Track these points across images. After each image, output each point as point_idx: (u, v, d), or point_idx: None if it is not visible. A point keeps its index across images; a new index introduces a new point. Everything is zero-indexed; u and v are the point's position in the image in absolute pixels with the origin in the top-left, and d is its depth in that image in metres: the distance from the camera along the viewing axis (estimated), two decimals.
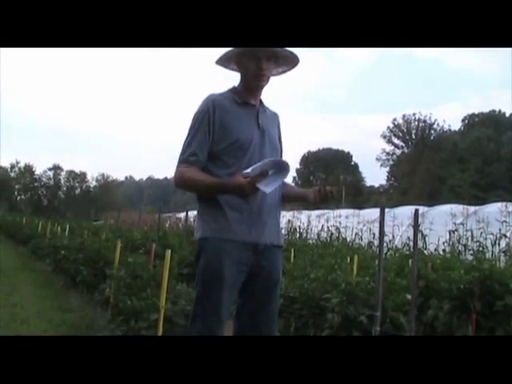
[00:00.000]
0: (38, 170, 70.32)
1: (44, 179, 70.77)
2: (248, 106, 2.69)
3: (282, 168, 2.51)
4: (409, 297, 4.50)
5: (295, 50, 2.65)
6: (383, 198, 4.32)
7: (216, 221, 2.56)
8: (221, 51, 2.65)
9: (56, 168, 70.75)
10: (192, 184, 2.63)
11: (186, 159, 2.60)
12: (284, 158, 2.71)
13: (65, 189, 71.65)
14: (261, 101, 2.76)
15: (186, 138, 2.65)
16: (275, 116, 2.86)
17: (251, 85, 2.68)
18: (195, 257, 2.62)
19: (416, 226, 4.10)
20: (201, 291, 2.56)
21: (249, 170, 2.47)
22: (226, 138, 2.59)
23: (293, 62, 2.73)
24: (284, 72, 2.79)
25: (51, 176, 70.73)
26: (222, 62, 2.72)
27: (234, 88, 2.74)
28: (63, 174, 71.59)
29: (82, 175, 71.90)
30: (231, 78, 2.78)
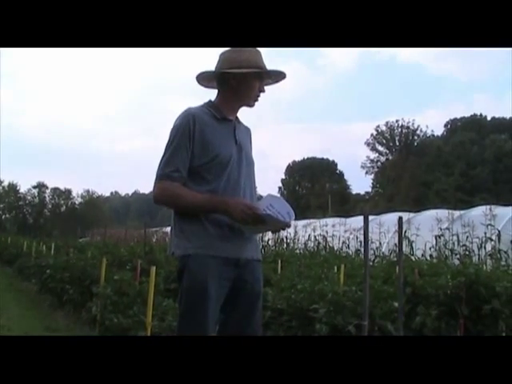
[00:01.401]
0: (23, 188, 69.88)
1: (29, 197, 70.31)
2: (226, 122, 2.66)
3: (285, 213, 2.51)
4: (396, 304, 4.49)
5: (283, 51, 2.65)
6: (367, 206, 4.32)
7: (198, 237, 2.52)
8: (211, 53, 2.64)
9: (40, 186, 70.29)
10: (179, 199, 2.53)
11: (168, 175, 2.52)
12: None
13: (50, 206, 71.13)
14: (236, 116, 2.76)
15: (166, 152, 2.57)
16: (248, 130, 2.86)
17: (249, 104, 2.71)
18: (177, 274, 2.58)
19: (400, 233, 4.10)
20: (186, 308, 2.52)
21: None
22: (206, 153, 2.54)
23: (279, 78, 2.77)
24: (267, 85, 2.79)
25: (36, 194, 70.26)
26: (206, 80, 2.73)
27: (210, 102, 2.71)
28: (48, 191, 71.17)
29: (67, 192, 71.40)
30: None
